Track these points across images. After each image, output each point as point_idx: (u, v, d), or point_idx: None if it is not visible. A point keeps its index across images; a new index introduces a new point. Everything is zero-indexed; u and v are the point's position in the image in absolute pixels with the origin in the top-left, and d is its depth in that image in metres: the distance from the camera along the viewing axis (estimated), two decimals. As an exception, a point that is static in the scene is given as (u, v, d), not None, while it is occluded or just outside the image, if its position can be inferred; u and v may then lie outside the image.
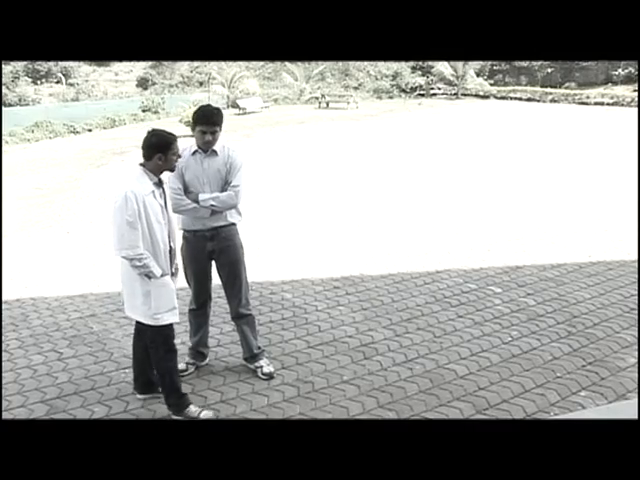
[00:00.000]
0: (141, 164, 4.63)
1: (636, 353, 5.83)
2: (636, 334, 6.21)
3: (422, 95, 43.74)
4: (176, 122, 25.76)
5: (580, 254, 8.74)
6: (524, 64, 45.21)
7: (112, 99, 48.02)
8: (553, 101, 38.47)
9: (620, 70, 40.22)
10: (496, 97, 41.73)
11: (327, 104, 37.21)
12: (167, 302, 4.71)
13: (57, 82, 59.83)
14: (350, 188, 13.65)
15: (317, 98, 39.23)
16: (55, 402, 5.22)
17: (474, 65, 44.38)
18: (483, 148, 19.50)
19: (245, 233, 9.91)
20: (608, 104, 35.21)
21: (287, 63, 46.27)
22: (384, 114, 31.99)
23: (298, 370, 5.60)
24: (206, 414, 4.87)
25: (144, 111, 36.01)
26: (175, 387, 4.91)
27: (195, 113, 5.22)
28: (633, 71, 39.72)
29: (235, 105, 36.06)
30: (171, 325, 4.85)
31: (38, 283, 8.08)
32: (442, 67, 43.07)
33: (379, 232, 9.97)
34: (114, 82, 61.89)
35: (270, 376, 5.46)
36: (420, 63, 46.81)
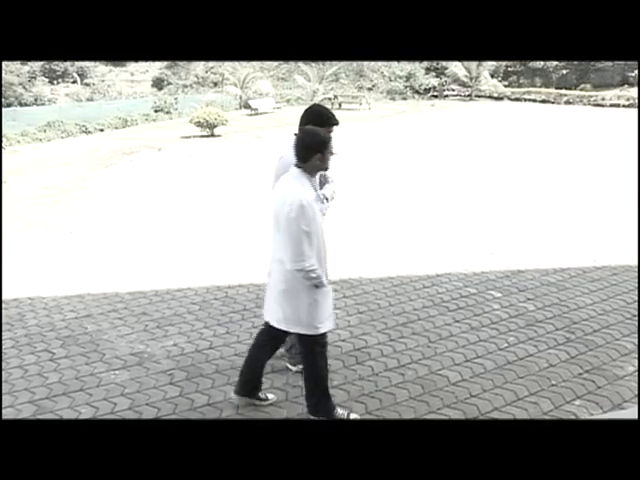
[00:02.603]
0: (298, 166, 4.38)
1: (635, 361, 5.72)
2: (636, 341, 6.10)
3: (435, 96, 43.61)
4: (186, 122, 25.81)
5: (585, 258, 8.62)
6: (539, 65, 44.90)
7: (127, 99, 48.14)
8: (568, 103, 38.20)
9: (636, 71, 39.83)
10: (510, 99, 41.48)
11: (340, 105, 37.13)
12: (328, 309, 4.58)
13: (73, 82, 60.17)
14: (354, 189, 13.55)
15: (330, 99, 39.14)
16: (43, 402, 5.20)
17: (488, 66, 44.14)
18: (493, 150, 19.35)
19: (245, 235, 9.92)
20: (624, 106, 34.94)
21: (300, 64, 46.20)
22: (396, 115, 31.92)
23: (288, 374, 5.53)
24: (355, 417, 4.81)
25: (156, 111, 36.04)
26: (327, 394, 4.77)
27: (320, 113, 5.06)
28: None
29: (247, 106, 36.03)
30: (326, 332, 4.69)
31: (37, 282, 8.06)
32: (456, 68, 42.87)
33: (381, 234, 9.88)
34: (130, 82, 62.24)
35: None
36: (434, 64, 46.65)
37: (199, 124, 24.04)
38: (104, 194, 14.16)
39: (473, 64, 41.75)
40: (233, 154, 19.85)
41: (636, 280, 7.75)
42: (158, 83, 57.46)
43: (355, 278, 7.79)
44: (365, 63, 49.12)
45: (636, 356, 5.82)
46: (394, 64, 48.13)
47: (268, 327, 4.81)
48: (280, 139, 23.08)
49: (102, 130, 29.67)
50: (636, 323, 6.50)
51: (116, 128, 30.54)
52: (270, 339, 4.91)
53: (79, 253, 9.39)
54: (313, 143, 4.32)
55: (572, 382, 5.34)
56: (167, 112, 36.30)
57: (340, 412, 4.77)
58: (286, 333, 4.74)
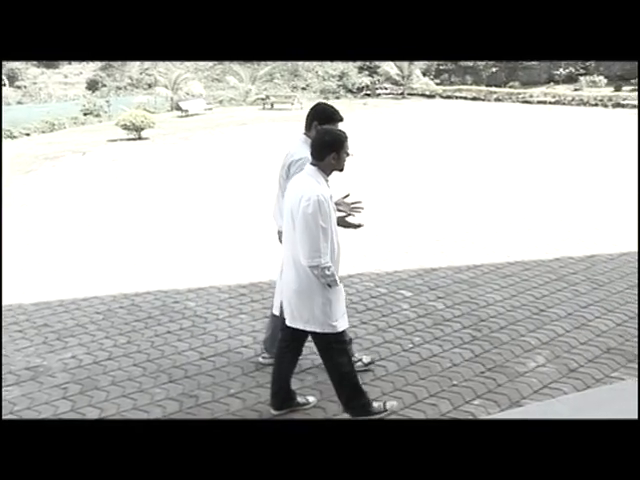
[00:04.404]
0: (314, 164, 4.37)
1: (538, 357, 5.72)
2: (541, 337, 6.11)
3: (368, 95, 43.69)
4: (112, 125, 25.35)
5: (499, 254, 8.65)
6: (469, 63, 45.30)
7: (57, 102, 47.12)
8: (497, 100, 38.67)
9: (561, 70, 40.64)
10: (442, 96, 41.80)
11: (272, 105, 36.92)
12: (341, 307, 4.52)
13: (3, 85, 58.64)
14: (270, 191, 13.38)
15: (262, 99, 38.92)
16: None
17: (420, 65, 44.43)
18: (418, 148, 19.41)
19: (156, 240, 9.69)
20: (550, 103, 35.54)
21: (232, 65, 45.92)
22: (328, 115, 31.80)
23: (185, 383, 5.36)
24: (392, 405, 4.80)
25: (86, 114, 35.34)
26: (359, 389, 4.68)
27: (324, 110, 5.10)
28: (574, 71, 40.23)
29: (178, 107, 35.56)
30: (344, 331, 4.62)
31: None
32: (388, 67, 43.03)
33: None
34: (63, 84, 60.86)
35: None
36: (367, 63, 46.73)
37: (126, 127, 23.59)
38: (21, 201, 13.73)
39: (405, 62, 41.92)
40: (158, 157, 19.51)
41: (547, 274, 7.79)
42: (92, 85, 56.33)
43: (265, 282, 7.63)
44: (300, 63, 49.06)
45: (539, 352, 5.82)
46: (327, 63, 48.12)
47: (284, 331, 4.69)
48: (209, 141, 22.83)
49: (28, 134, 28.85)
50: (542, 318, 6.52)
51: (43, 132, 29.75)
52: (290, 343, 4.74)
53: (-15, 263, 9.04)
54: (329, 142, 4.34)
55: (473, 381, 5.28)
56: (96, 115, 35.63)
57: (376, 405, 4.72)
58: (305, 334, 4.62)
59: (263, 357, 5.64)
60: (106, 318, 6.85)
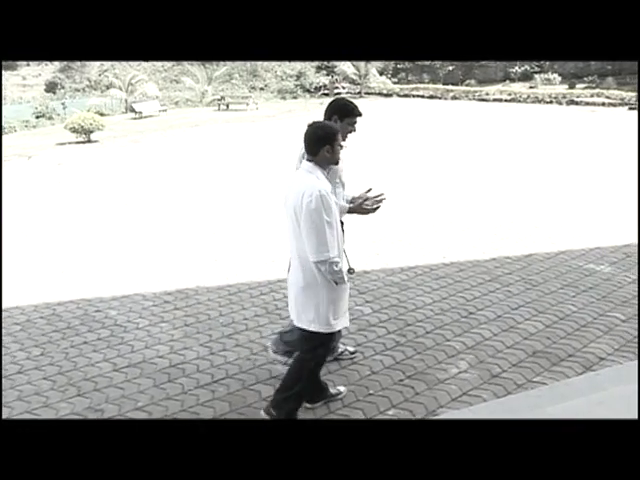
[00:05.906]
0: (310, 160, 4.34)
1: (461, 362, 5.60)
2: (466, 341, 5.99)
3: (326, 94, 43.47)
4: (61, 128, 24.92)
5: (435, 255, 8.54)
6: (426, 62, 45.37)
7: (12, 104, 46.29)
8: (454, 98, 38.74)
9: (517, 68, 40.93)
10: (399, 95, 41.81)
11: (227, 106, 36.61)
12: (345, 306, 4.52)
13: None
14: (208, 195, 13.25)
15: (218, 100, 38.56)
16: None
17: (377, 64, 44.38)
18: (365, 147, 19.27)
19: (84, 247, 9.43)
20: (506, 100, 35.72)
21: (188, 66, 45.55)
22: (283, 115, 31.60)
23: (93, 397, 5.17)
24: None
25: (38, 117, 34.75)
26: (300, 398, 4.62)
27: (345, 105, 5.11)
28: (529, 69, 40.56)
29: (132, 109, 35.09)
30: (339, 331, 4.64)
31: None
32: (345, 66, 42.95)
33: (226, 238, 9.55)
34: (21, 86, 59.85)
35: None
36: (325, 62, 46.60)
37: (74, 130, 23.17)
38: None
39: (362, 62, 41.85)
40: (105, 160, 19.16)
41: (481, 275, 7.69)
42: (52, 87, 55.36)
43: (192, 288, 7.44)
44: (259, 63, 48.77)
45: (463, 357, 5.70)
46: (285, 63, 47.90)
47: None
48: (159, 143, 22.51)
49: (-25, 139, 28.26)
50: (469, 321, 6.41)
51: (-8, 136, 29.17)
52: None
53: None
54: (322, 136, 4.32)
55: (390, 389, 5.13)
56: (49, 118, 35.04)
57: None
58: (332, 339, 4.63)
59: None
60: (24, 329, 6.61)
